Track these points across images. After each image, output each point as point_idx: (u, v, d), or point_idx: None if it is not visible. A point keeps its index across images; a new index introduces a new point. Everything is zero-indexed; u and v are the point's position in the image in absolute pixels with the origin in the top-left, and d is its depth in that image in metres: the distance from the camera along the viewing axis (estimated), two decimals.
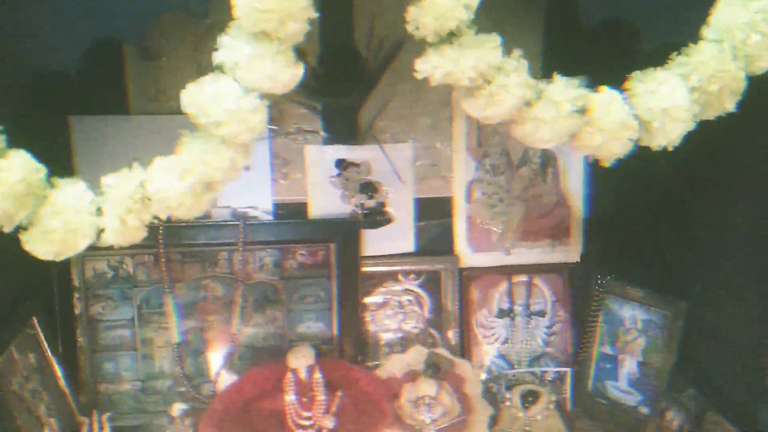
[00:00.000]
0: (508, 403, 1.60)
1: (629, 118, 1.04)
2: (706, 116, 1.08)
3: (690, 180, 1.55)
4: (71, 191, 0.97)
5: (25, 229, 0.94)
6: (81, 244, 0.97)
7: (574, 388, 1.68)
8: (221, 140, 0.97)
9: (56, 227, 0.93)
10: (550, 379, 1.68)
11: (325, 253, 1.66)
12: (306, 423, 1.50)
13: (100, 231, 0.99)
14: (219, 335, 1.64)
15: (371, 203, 1.70)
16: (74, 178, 0.99)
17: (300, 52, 0.97)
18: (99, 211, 0.98)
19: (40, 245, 0.95)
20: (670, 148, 1.06)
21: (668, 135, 1.05)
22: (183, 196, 0.97)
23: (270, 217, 1.66)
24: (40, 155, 0.95)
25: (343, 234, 1.66)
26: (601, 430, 1.62)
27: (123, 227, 0.98)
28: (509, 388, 1.63)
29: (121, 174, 0.99)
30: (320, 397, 1.52)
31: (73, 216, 0.95)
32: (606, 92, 1.04)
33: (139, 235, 1.00)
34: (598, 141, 1.04)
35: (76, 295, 1.58)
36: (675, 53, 1.06)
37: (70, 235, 0.95)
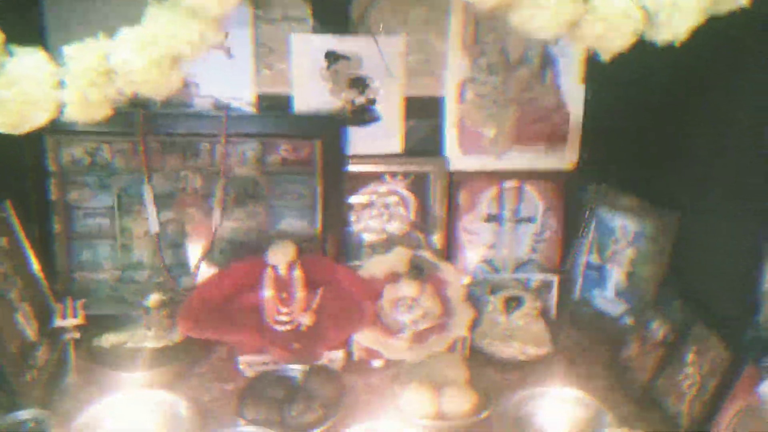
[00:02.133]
0: (490, 308, 1.58)
1: (633, 8, 0.96)
2: (716, 11, 1.00)
3: (690, 87, 1.47)
4: (29, 61, 0.91)
5: None
6: (39, 118, 0.91)
7: (558, 297, 1.67)
8: (190, 12, 0.90)
9: (10, 97, 0.87)
10: (535, 286, 1.67)
11: (309, 149, 1.60)
12: (284, 319, 1.49)
13: (62, 105, 0.93)
14: (198, 228, 1.60)
15: (361, 99, 1.63)
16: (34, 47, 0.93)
17: None
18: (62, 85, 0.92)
19: None
20: (678, 44, 0.99)
21: (675, 29, 0.98)
22: (148, 70, 0.90)
23: (253, 110, 1.60)
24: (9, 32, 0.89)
25: (329, 130, 1.60)
26: (584, 339, 1.61)
27: (85, 102, 0.92)
28: (492, 292, 1.61)
29: (84, 44, 0.92)
30: (299, 293, 1.50)
31: (31, 87, 0.89)
32: None
33: (102, 111, 0.94)
34: (598, 31, 0.97)
35: (52, 181, 1.53)
36: None
37: (27, 107, 0.89)
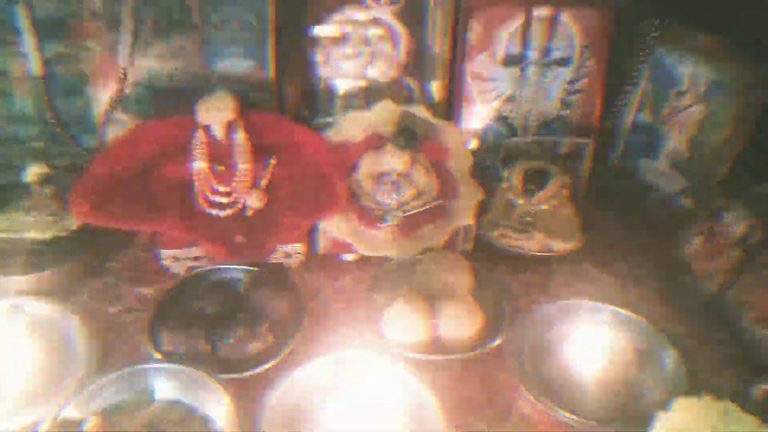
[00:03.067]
0: (505, 185, 1.17)
1: None
2: None
3: None
4: None
5: None
6: None
7: (593, 167, 1.26)
8: None
9: None
10: (563, 153, 1.25)
11: None
12: (221, 201, 1.08)
13: None
14: (102, 69, 1.14)
15: None
16: None
17: None
18: None
19: None
20: None
21: None
22: None
23: None
24: None
25: None
26: (624, 226, 1.23)
27: None
28: (509, 164, 1.20)
29: None
30: (243, 165, 1.08)
31: None
32: None
33: None
34: None
35: None
36: None
37: None
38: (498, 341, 0.95)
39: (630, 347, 0.96)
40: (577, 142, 1.24)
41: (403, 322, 0.95)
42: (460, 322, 0.96)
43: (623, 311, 0.99)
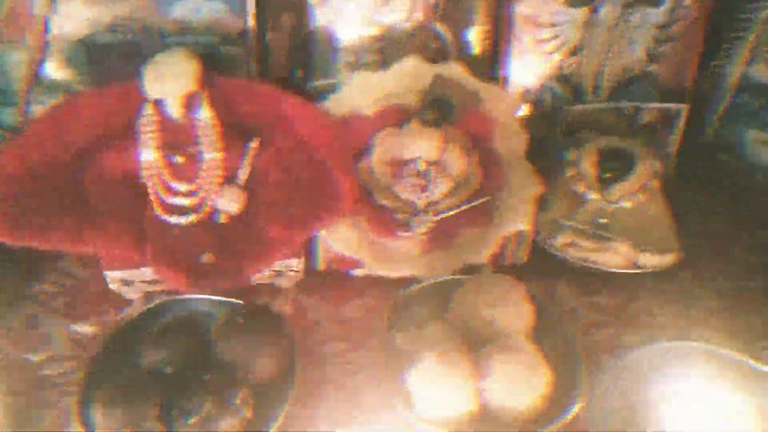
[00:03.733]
0: (571, 172, 0.86)
1: None
2: None
3: None
4: None
5: None
6: None
7: (684, 139, 0.94)
8: None
9: None
10: (645, 122, 0.93)
11: None
12: (183, 203, 0.78)
13: None
14: (19, 19, 0.83)
15: None
16: None
17: None
18: None
19: None
20: None
21: None
22: None
23: None
24: None
25: None
26: (725, 216, 0.92)
27: None
28: (575, 141, 0.89)
29: None
30: (211, 154, 0.77)
31: None
32: None
33: None
34: None
35: None
36: None
37: None
38: (574, 410, 0.66)
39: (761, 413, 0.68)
40: (667, 108, 0.92)
41: (435, 387, 0.67)
42: (517, 385, 0.67)
43: (749, 360, 0.70)
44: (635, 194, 0.83)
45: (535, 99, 0.93)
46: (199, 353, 0.70)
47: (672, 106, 0.92)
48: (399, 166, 0.81)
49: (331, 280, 0.83)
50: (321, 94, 0.85)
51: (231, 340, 0.70)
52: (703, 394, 0.69)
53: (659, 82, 0.93)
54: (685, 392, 0.70)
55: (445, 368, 0.67)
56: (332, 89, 0.86)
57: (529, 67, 0.92)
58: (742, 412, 0.69)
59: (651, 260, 0.80)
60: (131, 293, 0.80)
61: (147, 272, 0.78)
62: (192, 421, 0.64)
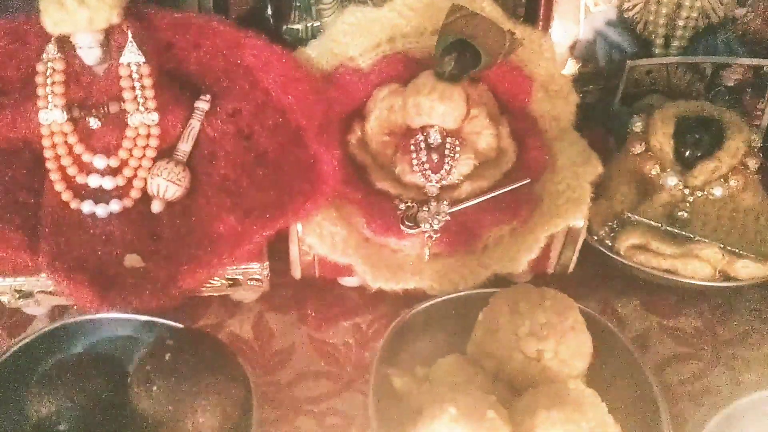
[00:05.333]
0: (638, 149, 0.64)
1: None
2: None
3: None
4: None
5: None
6: None
7: None
8: None
9: None
10: (730, 84, 0.71)
11: None
12: (100, 183, 0.56)
13: None
14: None
15: None
16: None
17: None
18: None
19: None
20: None
21: None
22: None
23: None
24: None
25: None
26: None
27: None
28: (640, 105, 0.67)
29: None
30: (138, 117, 0.55)
31: None
32: None
33: None
34: None
35: None
36: None
37: None
38: None
39: None
40: (758, 65, 0.70)
41: None
42: None
43: None
44: (727, 179, 0.61)
45: (587, 52, 0.72)
46: (110, 404, 0.49)
47: (765, 62, 0.69)
48: (404, 137, 0.59)
49: (310, 294, 0.62)
50: (298, 39, 0.63)
51: (156, 383, 0.48)
52: None
53: (748, 32, 0.72)
54: None
55: (469, 427, 0.45)
56: (313, 33, 0.64)
57: (578, 7, 0.69)
58: None
59: (748, 268, 0.59)
60: (33, 308, 0.59)
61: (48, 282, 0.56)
62: None
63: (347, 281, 0.63)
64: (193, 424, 0.49)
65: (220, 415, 0.49)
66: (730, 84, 0.73)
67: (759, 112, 0.73)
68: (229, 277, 0.59)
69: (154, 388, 0.49)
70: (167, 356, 0.50)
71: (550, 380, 0.51)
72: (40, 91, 0.55)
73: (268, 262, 0.59)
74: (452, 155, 0.60)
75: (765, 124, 0.73)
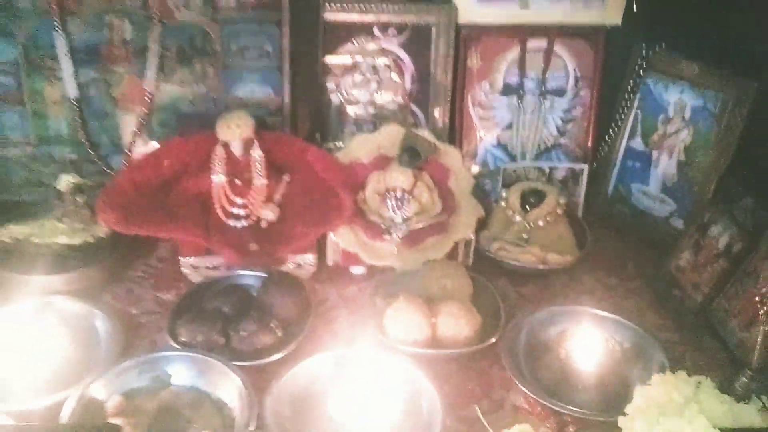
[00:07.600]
0: (503, 204, 1.24)
1: None
2: None
3: None
4: None
5: None
6: None
7: (588, 191, 1.33)
8: None
9: None
10: (560, 178, 1.32)
11: None
12: (239, 212, 1.16)
13: None
14: (131, 92, 1.24)
15: None
16: None
17: None
18: None
19: None
20: None
21: None
22: None
23: None
24: None
25: None
26: (619, 245, 1.29)
27: None
28: (507, 185, 1.28)
29: None
30: (259, 180, 1.16)
31: None
32: None
33: None
34: None
35: None
36: None
37: None
38: (494, 339, 1.00)
39: (619, 348, 1.02)
40: (573, 167, 1.32)
41: (403, 320, 1.01)
42: (458, 321, 1.01)
43: (614, 316, 1.05)
44: (545, 217, 1.21)
45: (481, 159, 1.34)
46: (246, 302, 1.05)
47: (576, 165, 1.31)
48: (384, 193, 1.19)
49: (337, 273, 1.19)
50: (333, 150, 1.26)
51: (267, 293, 1.06)
52: (583, 336, 1.03)
53: (567, 149, 1.34)
54: (571, 335, 1.04)
55: (408, 309, 1.02)
56: (341, 146, 1.27)
57: (477, 136, 1.33)
58: (610, 349, 1.02)
59: (555, 259, 1.17)
60: (196, 277, 1.16)
61: (210, 259, 1.14)
62: (242, 335, 0.99)
63: (355, 269, 1.21)
64: (284, 312, 1.05)
65: (295, 311, 1.06)
66: (560, 178, 1.34)
67: (576, 195, 1.34)
68: (296, 262, 1.17)
69: (269, 295, 1.06)
70: (275, 282, 1.08)
71: (449, 299, 1.08)
72: (213, 167, 1.16)
73: (316, 255, 1.18)
74: (408, 203, 1.20)
75: (578, 203, 1.33)
